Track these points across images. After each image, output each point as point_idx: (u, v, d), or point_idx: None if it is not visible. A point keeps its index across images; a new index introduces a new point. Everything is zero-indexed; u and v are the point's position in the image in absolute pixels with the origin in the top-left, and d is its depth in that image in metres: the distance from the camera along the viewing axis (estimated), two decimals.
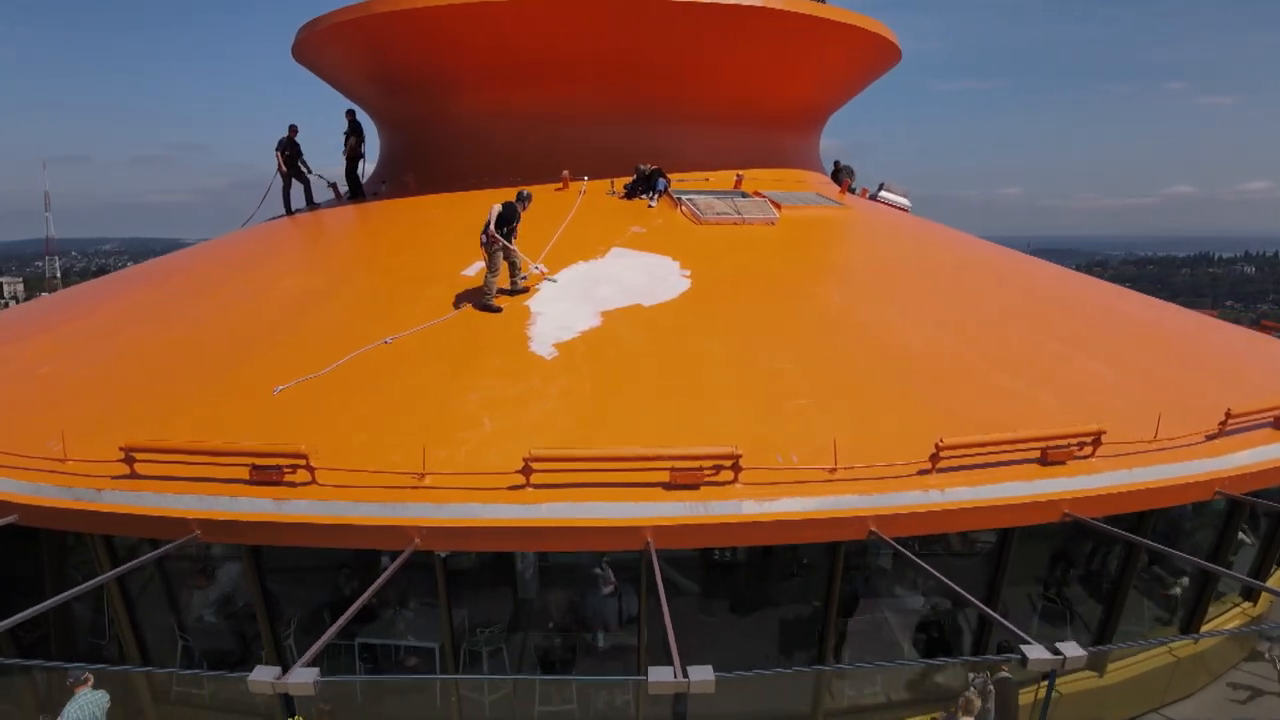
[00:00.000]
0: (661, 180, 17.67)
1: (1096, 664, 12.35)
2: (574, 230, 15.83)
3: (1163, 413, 11.97)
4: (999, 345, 14.28)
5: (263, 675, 7.46)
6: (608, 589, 11.61)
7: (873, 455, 10.70)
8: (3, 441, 11.19)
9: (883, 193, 22.55)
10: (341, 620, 8.61)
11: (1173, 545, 12.42)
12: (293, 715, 7.45)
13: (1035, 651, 8.23)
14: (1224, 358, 16.78)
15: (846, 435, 10.78)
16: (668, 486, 10.32)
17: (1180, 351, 16.43)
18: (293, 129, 19.92)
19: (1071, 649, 8.19)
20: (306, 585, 11.92)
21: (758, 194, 18.10)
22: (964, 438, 10.79)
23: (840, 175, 21.86)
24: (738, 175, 18.67)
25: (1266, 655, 14.26)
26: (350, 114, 20.16)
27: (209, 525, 10.17)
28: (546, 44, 17.43)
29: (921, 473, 10.74)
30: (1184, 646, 13.13)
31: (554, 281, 14.44)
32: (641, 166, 17.77)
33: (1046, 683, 9.62)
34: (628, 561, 11.03)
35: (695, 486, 10.34)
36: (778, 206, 17.66)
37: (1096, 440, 11.34)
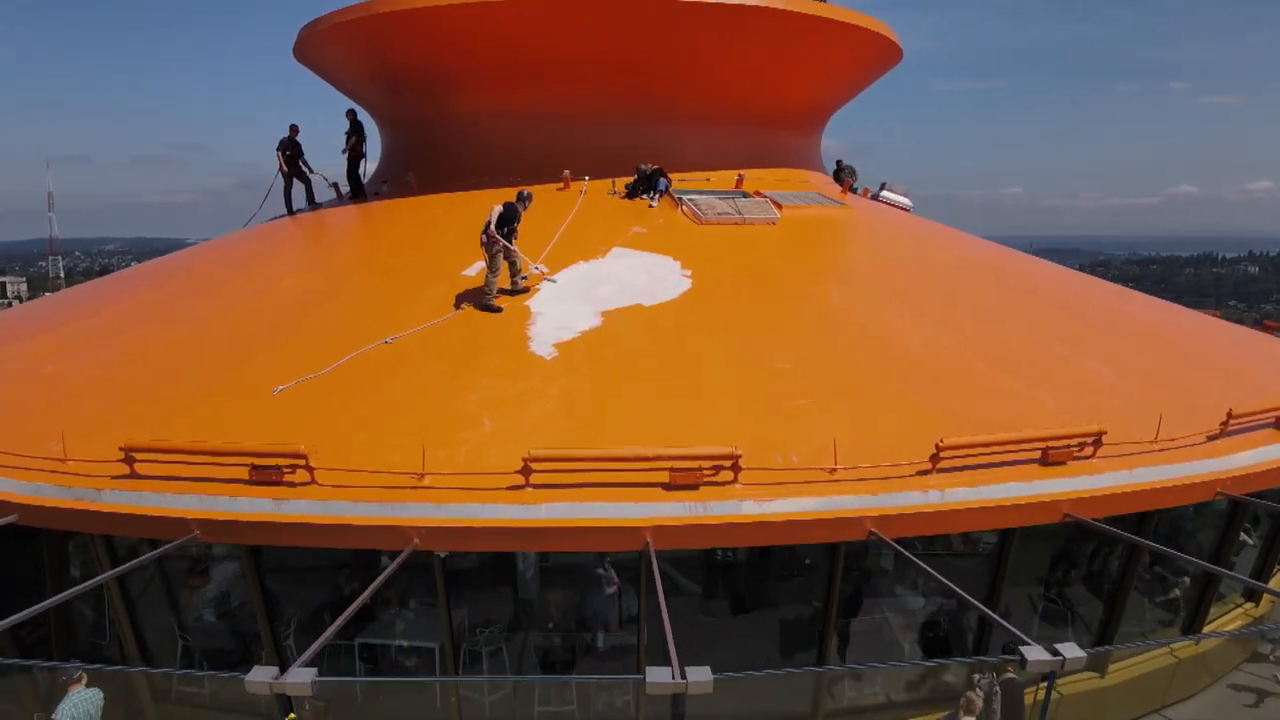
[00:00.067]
0: (662, 180, 17.66)
1: (1098, 665, 12.33)
2: (575, 230, 15.82)
3: (1164, 413, 11.95)
4: (999, 345, 14.26)
5: (260, 675, 7.46)
6: (610, 589, 11.60)
7: (873, 455, 10.69)
8: (3, 441, 11.22)
9: (884, 193, 22.52)
10: (340, 620, 8.62)
11: (1174, 546, 12.38)
12: (290, 714, 7.45)
13: (1034, 653, 8.21)
14: (1226, 358, 16.74)
15: (846, 435, 10.76)
16: (667, 487, 10.31)
17: (1181, 351, 16.39)
18: (294, 129, 19.92)
19: (1071, 650, 8.16)
20: (306, 585, 11.92)
21: (759, 194, 18.08)
22: (964, 438, 10.77)
23: (842, 175, 21.83)
24: (739, 175, 18.65)
25: (1270, 656, 14.24)
26: (351, 114, 20.15)
27: (209, 525, 10.18)
28: (548, 44, 17.43)
29: (921, 473, 10.73)
30: (1185, 647, 13.10)
31: (554, 281, 14.44)
32: (642, 166, 17.76)
33: (1046, 684, 9.60)
34: (628, 561, 11.02)
35: (695, 487, 10.33)
36: (779, 206, 17.65)
37: (1097, 440, 11.31)
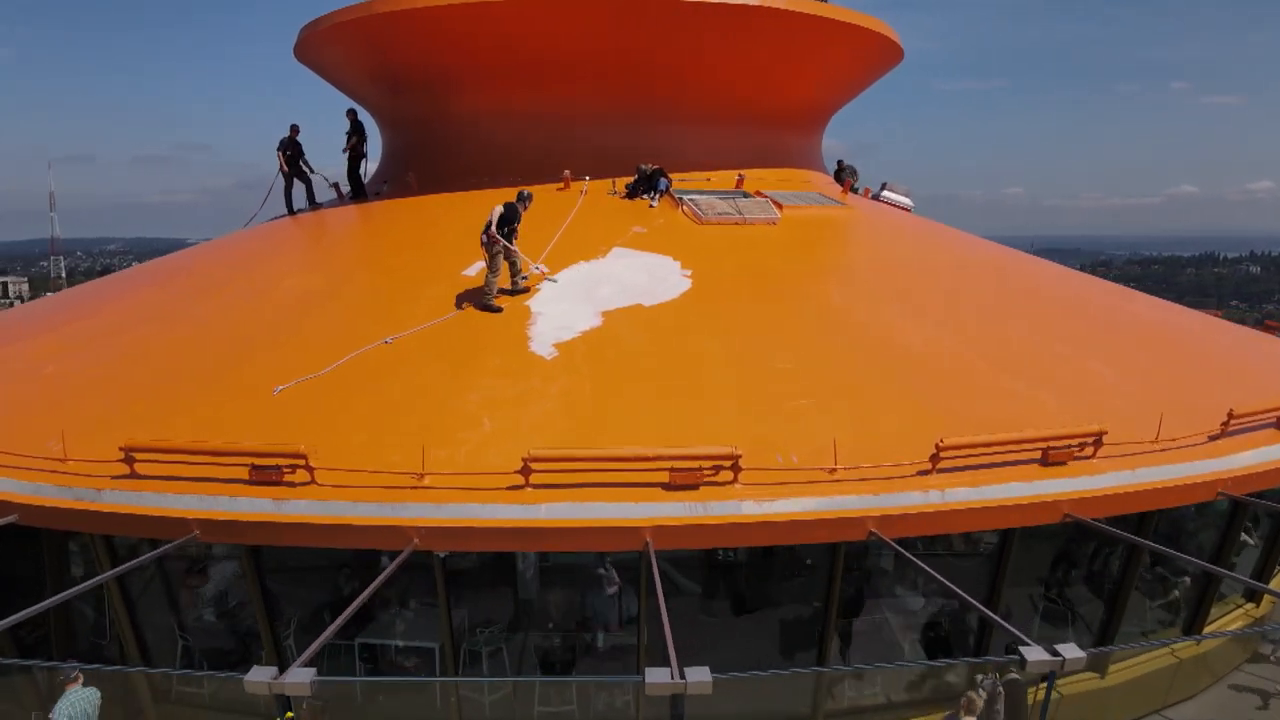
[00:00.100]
0: (663, 180, 17.65)
1: (1098, 665, 12.32)
2: (575, 230, 15.81)
3: (1165, 413, 11.94)
4: (1000, 345, 14.25)
5: (259, 675, 7.46)
6: (612, 589, 11.60)
7: (873, 455, 10.68)
8: (3, 441, 11.22)
9: (885, 193, 22.51)
10: (339, 621, 8.62)
11: (1175, 546, 12.37)
12: (288, 713, 7.44)
13: (1034, 653, 8.20)
14: (1226, 358, 16.72)
15: (846, 435, 10.75)
16: (667, 487, 10.30)
17: (1182, 351, 16.38)
18: (294, 129, 19.91)
19: (1070, 650, 8.15)
20: (306, 585, 11.93)
21: (759, 194, 18.07)
22: (965, 438, 10.76)
23: (842, 175, 21.82)
24: (739, 175, 18.64)
25: (1271, 657, 14.22)
26: (351, 113, 20.15)
27: (208, 525, 10.18)
28: (548, 44, 17.42)
29: (922, 473, 10.72)
30: (1186, 648, 13.09)
31: (554, 281, 14.43)
32: (643, 166, 17.75)
33: (1046, 684, 9.59)
34: (629, 561, 11.02)
35: (695, 487, 10.32)
36: (779, 206, 17.64)
37: (1098, 441, 11.30)
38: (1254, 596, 14.40)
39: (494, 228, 13.50)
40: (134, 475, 10.52)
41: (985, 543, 12.05)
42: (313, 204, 20.67)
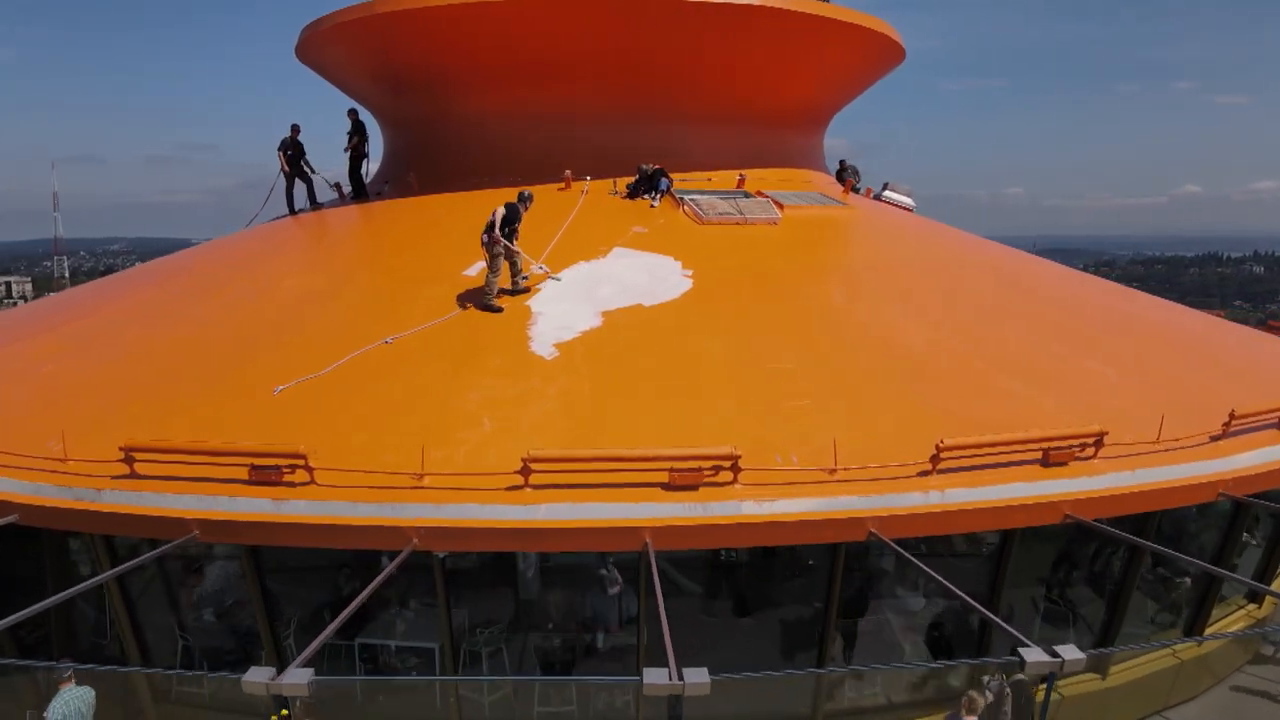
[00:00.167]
0: (664, 180, 17.65)
1: (1099, 666, 12.29)
2: (576, 230, 15.82)
3: (1166, 413, 11.90)
4: (1000, 346, 14.22)
5: (257, 676, 7.46)
6: (614, 589, 11.60)
7: (873, 456, 10.66)
8: (3, 441, 11.22)
9: (886, 192, 22.48)
10: (337, 621, 8.61)
11: (1177, 547, 12.34)
12: (283, 710, 7.43)
13: (1033, 654, 8.19)
14: (1228, 358, 16.68)
15: (846, 436, 10.73)
16: (667, 487, 10.29)
17: (1184, 352, 16.34)
18: (295, 129, 19.93)
19: (1070, 652, 8.13)
20: (306, 585, 11.93)
21: (760, 194, 18.06)
22: (965, 438, 10.74)
23: (844, 175, 21.80)
24: (740, 175, 18.64)
25: (1273, 658, 14.19)
26: (353, 113, 20.17)
27: (208, 525, 10.18)
28: (549, 44, 17.42)
29: (922, 474, 10.70)
30: (1188, 649, 13.06)
31: (558, 280, 14.44)
32: (644, 166, 17.75)
33: (1047, 685, 9.57)
34: (630, 562, 11.01)
35: (694, 487, 10.30)
36: (780, 206, 17.62)
37: (1099, 441, 11.27)
38: (1256, 598, 14.37)
39: (496, 229, 13.50)
40: (134, 475, 10.52)
41: (986, 543, 12.03)
42: (314, 204, 20.68)
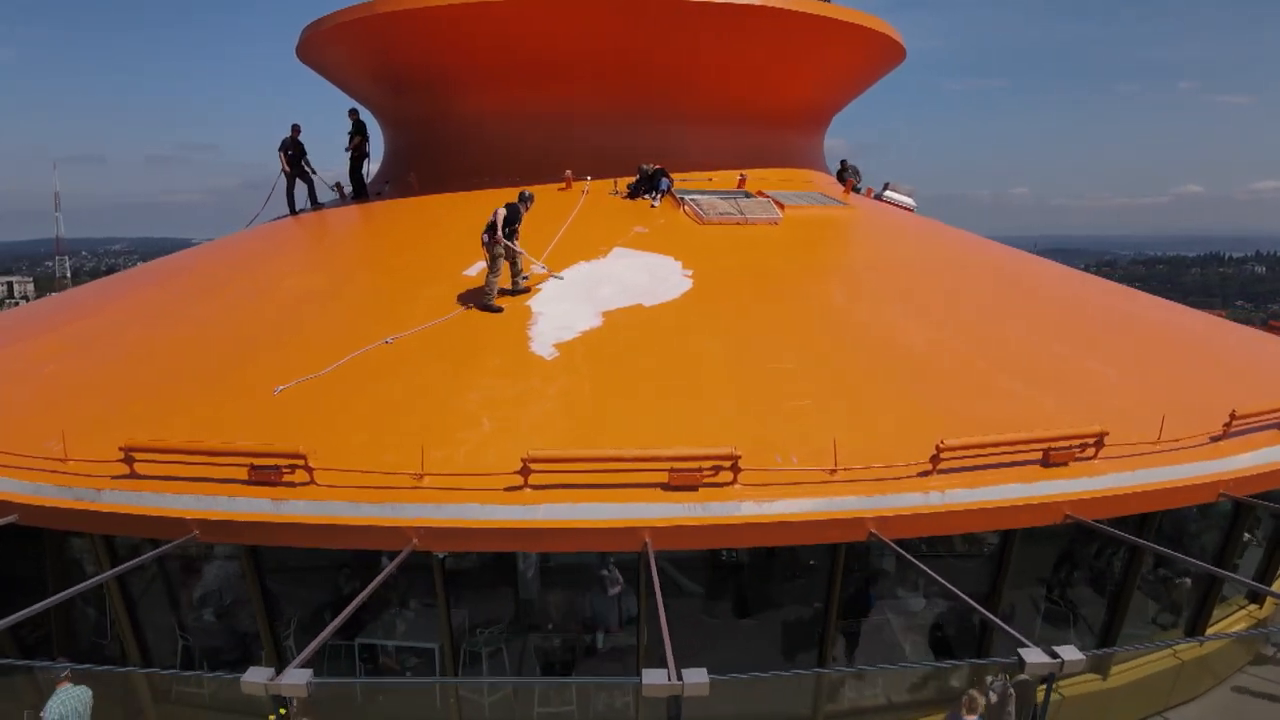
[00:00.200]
0: (664, 180, 17.65)
1: (1100, 667, 12.28)
2: (576, 230, 15.81)
3: (1166, 414, 11.87)
4: (1001, 346, 14.21)
5: (256, 676, 7.45)
6: (615, 590, 11.59)
7: (873, 456, 10.65)
8: (3, 441, 11.22)
9: (887, 192, 22.46)
10: (337, 621, 8.60)
11: (1177, 547, 12.33)
12: (281, 709, 7.43)
13: (1033, 655, 8.17)
14: (1229, 358, 16.65)
15: (847, 436, 10.72)
16: (666, 487, 10.28)
17: (1184, 352, 16.32)
18: (295, 129, 19.93)
19: (1069, 653, 8.11)
20: (306, 585, 11.92)
21: (761, 194, 18.05)
22: (965, 439, 10.72)
23: (845, 175, 21.79)
24: (741, 175, 18.64)
25: (1274, 659, 14.16)
26: (354, 113, 20.19)
27: (207, 525, 10.18)
28: (550, 44, 17.42)
29: (922, 474, 10.68)
30: (1188, 649, 13.03)
31: (561, 278, 14.44)
32: (644, 166, 17.75)
33: (1047, 686, 9.54)
34: (631, 562, 11.00)
35: (694, 487, 10.29)
36: (781, 206, 17.61)
37: (1099, 441, 11.25)
38: (1257, 598, 14.34)
39: (499, 230, 13.50)
40: (134, 475, 10.52)
41: (987, 544, 12.01)
42: (315, 204, 20.69)
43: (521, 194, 14.22)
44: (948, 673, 11.86)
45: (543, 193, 15.23)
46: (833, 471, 10.44)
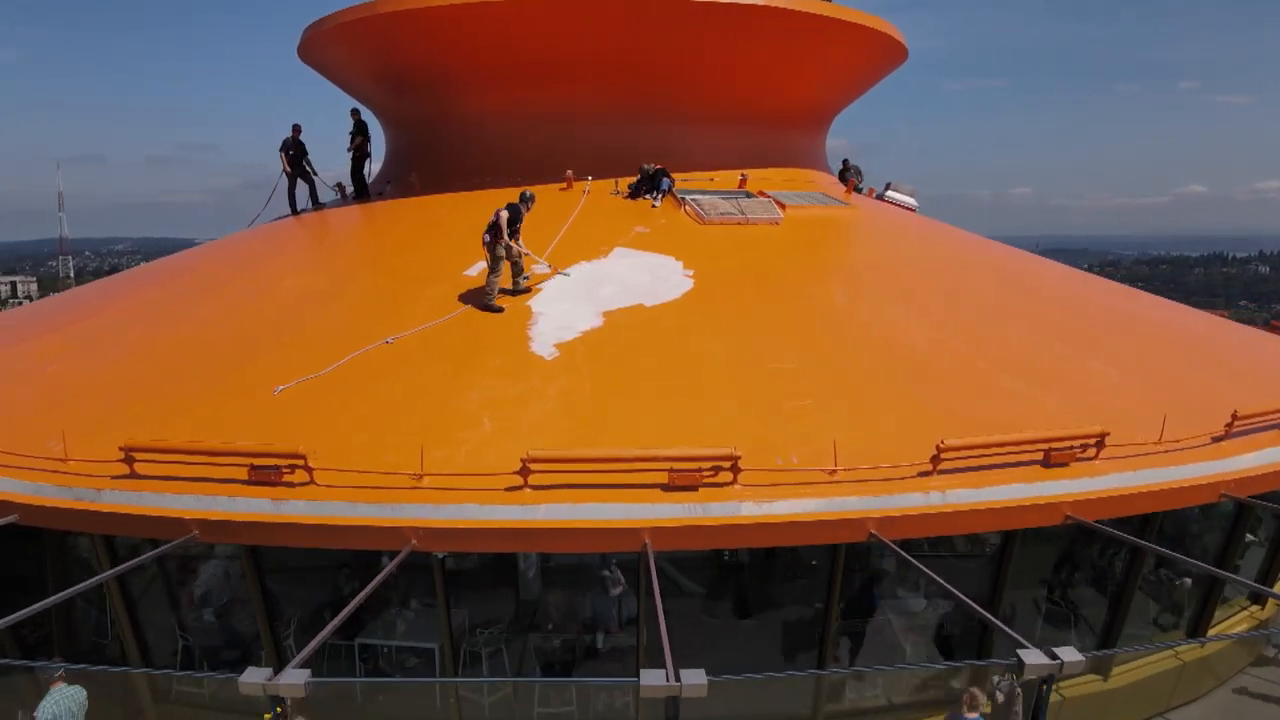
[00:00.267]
0: (665, 180, 17.63)
1: (1101, 667, 12.25)
2: (577, 230, 15.81)
3: (1168, 414, 11.84)
4: (1002, 346, 14.19)
5: (254, 676, 7.45)
6: (616, 590, 11.58)
7: (873, 456, 10.64)
8: (3, 441, 11.23)
9: (889, 192, 22.43)
10: (336, 621, 8.60)
11: (1179, 548, 12.30)
12: (278, 707, 7.43)
13: (1032, 656, 8.16)
14: (1232, 358, 16.62)
15: (847, 436, 10.71)
16: (666, 488, 10.27)
17: (1186, 352, 16.28)
18: (296, 129, 19.92)
19: (1069, 654, 8.10)
20: (306, 585, 11.92)
21: (762, 194, 18.04)
22: (966, 439, 10.71)
23: (847, 175, 21.76)
24: (742, 175, 18.62)
25: (1275, 660, 14.12)
26: (355, 113, 20.19)
27: (207, 525, 10.19)
28: (551, 44, 17.41)
29: (923, 474, 10.67)
30: (1190, 650, 13.00)
31: (567, 275, 14.43)
32: (646, 166, 17.74)
33: (1046, 687, 9.52)
34: (631, 562, 10.99)
35: (694, 488, 10.28)
36: (782, 206, 17.59)
37: (1100, 442, 11.24)
38: (1258, 599, 14.31)
39: (503, 231, 13.50)
40: (134, 475, 10.53)
41: (988, 544, 11.99)
42: (316, 204, 20.69)
43: (522, 194, 14.22)
44: (949, 673, 11.83)
45: (544, 193, 15.24)
46: (833, 472, 10.43)
